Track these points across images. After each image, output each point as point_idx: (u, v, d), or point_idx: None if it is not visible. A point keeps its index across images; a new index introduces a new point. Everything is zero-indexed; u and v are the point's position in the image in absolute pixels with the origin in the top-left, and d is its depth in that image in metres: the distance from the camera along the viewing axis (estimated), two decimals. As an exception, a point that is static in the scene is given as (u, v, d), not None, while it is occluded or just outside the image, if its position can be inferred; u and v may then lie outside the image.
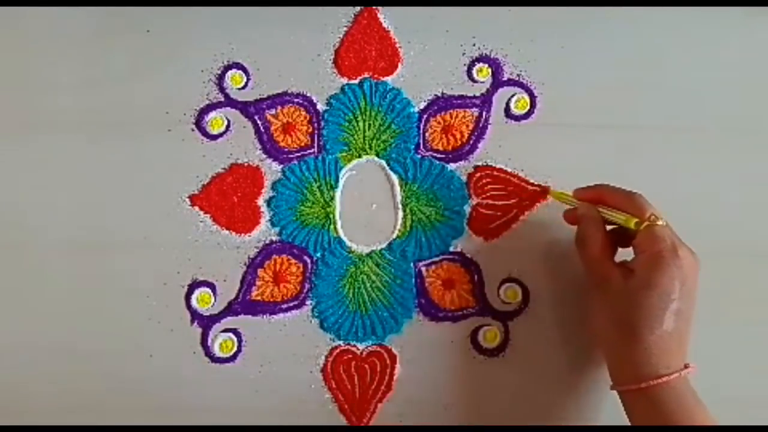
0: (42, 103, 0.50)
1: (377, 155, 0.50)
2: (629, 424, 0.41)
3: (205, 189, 0.49)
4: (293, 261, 0.49)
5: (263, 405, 0.47)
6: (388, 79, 0.50)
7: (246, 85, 0.50)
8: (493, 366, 0.47)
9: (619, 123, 0.50)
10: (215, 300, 0.48)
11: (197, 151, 0.50)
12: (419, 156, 0.50)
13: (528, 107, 0.50)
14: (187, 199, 0.49)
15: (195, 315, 0.48)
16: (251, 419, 0.47)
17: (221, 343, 0.48)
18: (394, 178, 0.49)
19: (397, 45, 0.51)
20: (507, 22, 0.51)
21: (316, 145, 0.50)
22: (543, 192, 0.48)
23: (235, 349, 0.48)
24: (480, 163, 0.50)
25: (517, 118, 0.50)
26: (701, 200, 0.49)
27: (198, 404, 0.47)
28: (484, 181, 0.49)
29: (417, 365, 0.47)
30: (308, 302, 0.48)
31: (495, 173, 0.49)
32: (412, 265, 0.49)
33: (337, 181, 0.49)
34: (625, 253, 0.43)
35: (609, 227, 0.43)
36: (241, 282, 0.48)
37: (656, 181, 0.49)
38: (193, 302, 0.48)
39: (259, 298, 0.48)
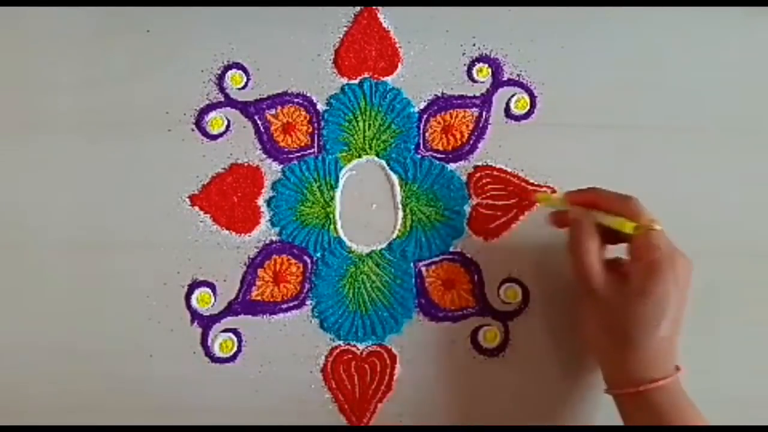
0: (42, 103, 0.50)
1: (377, 155, 0.50)
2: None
3: (205, 189, 0.49)
4: (293, 261, 0.49)
5: (263, 405, 0.47)
6: (388, 79, 0.50)
7: (246, 85, 0.50)
8: (493, 366, 0.47)
9: (619, 123, 0.50)
10: (215, 300, 0.48)
11: (197, 151, 0.50)
12: (419, 156, 0.50)
13: (528, 107, 0.50)
14: (187, 199, 0.49)
15: (195, 315, 0.48)
16: (251, 419, 0.47)
17: (221, 343, 0.48)
18: (394, 178, 0.49)
19: (397, 45, 0.51)
20: (507, 22, 0.51)
21: (316, 145, 0.50)
22: (530, 199, 0.48)
23: (235, 349, 0.48)
24: (480, 163, 0.50)
25: (517, 118, 0.50)
26: (701, 200, 0.49)
27: (198, 404, 0.47)
28: (484, 181, 0.49)
29: (417, 365, 0.47)
30: (308, 302, 0.48)
31: (495, 173, 0.49)
32: (412, 265, 0.49)
33: (337, 181, 0.49)
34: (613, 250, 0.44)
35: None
36: (241, 282, 0.48)
37: (656, 181, 0.49)
38: (193, 302, 0.48)
39: (259, 298, 0.48)
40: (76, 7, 0.51)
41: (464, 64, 0.50)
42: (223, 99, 0.50)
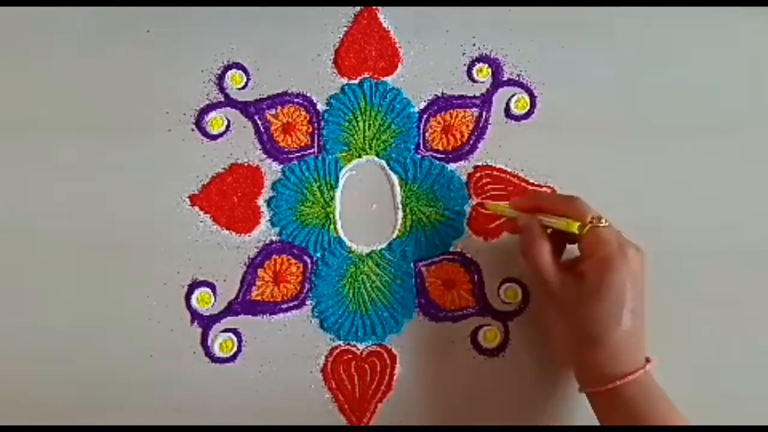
0: (42, 103, 0.50)
1: (377, 155, 0.50)
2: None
3: (205, 189, 0.49)
4: (293, 261, 0.49)
5: (263, 405, 0.47)
6: (388, 79, 0.50)
7: (246, 85, 0.50)
8: (493, 366, 0.47)
9: (619, 123, 0.50)
10: (215, 300, 0.48)
11: (197, 151, 0.50)
12: (419, 156, 0.50)
13: (528, 107, 0.50)
14: (187, 199, 0.49)
15: (195, 315, 0.48)
16: (251, 419, 0.47)
17: (221, 343, 0.48)
18: (394, 178, 0.49)
19: (397, 45, 0.51)
20: (507, 22, 0.51)
21: (316, 145, 0.50)
22: (481, 205, 0.49)
23: (235, 349, 0.48)
24: (480, 163, 0.50)
25: (517, 118, 0.50)
26: (701, 200, 0.49)
27: (198, 404, 0.47)
28: (484, 181, 0.49)
29: (417, 365, 0.47)
30: (308, 302, 0.48)
31: (495, 173, 0.49)
32: (412, 265, 0.49)
33: (337, 181, 0.49)
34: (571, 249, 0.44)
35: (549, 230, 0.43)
36: (241, 282, 0.48)
37: (656, 180, 0.49)
38: (193, 302, 0.48)
39: (259, 298, 0.48)
40: (76, 7, 0.51)
41: (464, 64, 0.50)
42: (223, 99, 0.50)
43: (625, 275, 0.39)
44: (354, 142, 0.50)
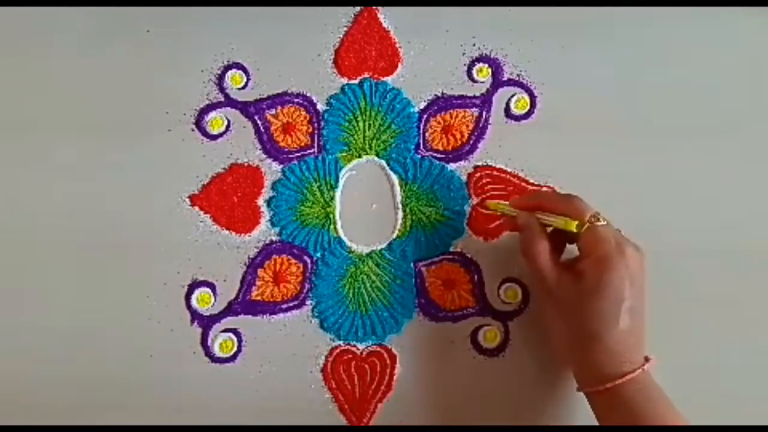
0: (42, 103, 0.50)
1: (377, 155, 0.50)
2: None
3: (205, 189, 0.49)
4: (293, 261, 0.49)
5: (263, 405, 0.47)
6: (388, 79, 0.50)
7: (246, 85, 0.50)
8: (493, 366, 0.47)
9: (619, 123, 0.50)
10: (215, 300, 0.48)
11: (197, 151, 0.50)
12: (419, 156, 0.50)
13: (528, 107, 0.50)
14: (187, 199, 0.49)
15: (195, 315, 0.48)
16: (251, 419, 0.47)
17: (221, 343, 0.48)
18: (394, 178, 0.49)
19: (397, 45, 0.51)
20: (507, 22, 0.51)
21: (316, 145, 0.50)
22: (481, 204, 0.49)
23: (235, 349, 0.48)
24: (480, 163, 0.50)
25: (517, 118, 0.50)
26: (701, 200, 0.49)
27: (198, 404, 0.47)
28: (484, 181, 0.49)
29: (417, 365, 0.47)
30: (308, 302, 0.48)
31: (495, 173, 0.49)
32: (412, 265, 0.49)
33: (337, 181, 0.49)
34: (571, 249, 0.44)
35: (550, 229, 0.43)
36: (241, 282, 0.48)
37: (656, 180, 0.49)
38: (193, 302, 0.48)
39: (259, 298, 0.48)
40: (76, 7, 0.51)
41: (464, 64, 0.50)
42: (223, 99, 0.50)
43: (624, 274, 0.39)
44: (354, 142, 0.50)
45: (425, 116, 0.50)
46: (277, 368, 0.47)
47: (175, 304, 0.48)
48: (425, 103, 0.50)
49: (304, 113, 0.50)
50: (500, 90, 0.50)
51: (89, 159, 0.50)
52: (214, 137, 0.50)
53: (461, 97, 0.50)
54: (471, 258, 0.48)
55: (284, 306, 0.48)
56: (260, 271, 0.48)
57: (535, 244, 0.42)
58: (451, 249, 0.49)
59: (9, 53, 0.51)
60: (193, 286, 0.48)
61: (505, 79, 0.50)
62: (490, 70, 0.50)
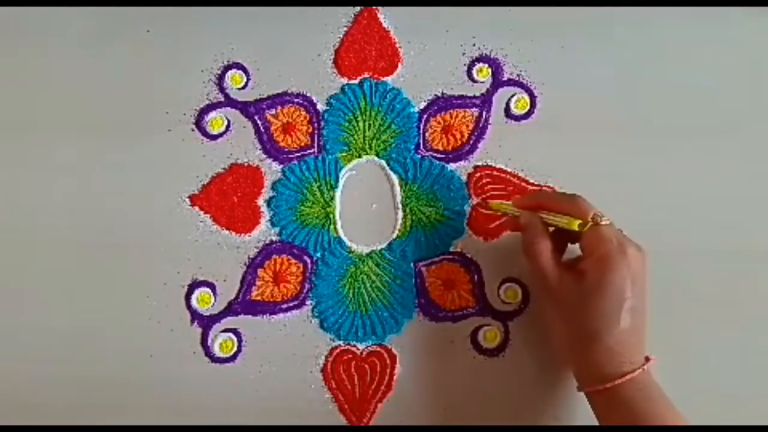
0: (42, 103, 0.50)
1: (377, 155, 0.50)
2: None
3: (205, 189, 0.49)
4: (293, 261, 0.49)
5: (263, 405, 0.47)
6: (388, 79, 0.50)
7: (246, 85, 0.50)
8: (493, 366, 0.47)
9: (619, 123, 0.50)
10: (215, 300, 0.48)
11: (197, 151, 0.50)
12: (419, 156, 0.50)
13: (528, 107, 0.50)
14: (187, 199, 0.49)
15: (195, 315, 0.48)
16: (251, 419, 0.47)
17: (221, 343, 0.48)
18: (394, 178, 0.49)
19: (397, 45, 0.51)
20: (507, 22, 0.51)
21: (316, 145, 0.50)
22: (482, 204, 0.49)
23: (235, 349, 0.48)
24: (480, 163, 0.50)
25: (517, 118, 0.50)
26: (701, 200, 0.49)
27: (198, 404, 0.47)
28: (484, 181, 0.49)
29: (417, 365, 0.47)
30: (308, 302, 0.48)
31: (495, 173, 0.49)
32: (412, 265, 0.49)
33: (337, 181, 0.49)
34: (572, 250, 0.44)
35: (552, 229, 0.43)
36: (241, 282, 0.48)
37: (656, 180, 0.49)
38: (193, 302, 0.48)
39: (259, 298, 0.48)
40: (76, 7, 0.51)
41: (464, 64, 0.50)
42: (223, 99, 0.50)
43: (625, 273, 0.39)
44: (354, 142, 0.50)
45: (425, 116, 0.50)
46: (277, 368, 0.47)
47: (175, 304, 0.48)
48: (425, 103, 0.50)
49: (304, 113, 0.50)
50: (500, 90, 0.50)
51: (89, 159, 0.50)
52: (214, 137, 0.50)
53: (461, 97, 0.50)
54: (471, 258, 0.48)
55: (284, 306, 0.48)
56: (260, 271, 0.48)
57: (537, 243, 0.42)
58: (451, 249, 0.49)
59: (9, 53, 0.51)
60: (193, 286, 0.48)
61: (505, 79, 0.50)
62: (490, 70, 0.50)
